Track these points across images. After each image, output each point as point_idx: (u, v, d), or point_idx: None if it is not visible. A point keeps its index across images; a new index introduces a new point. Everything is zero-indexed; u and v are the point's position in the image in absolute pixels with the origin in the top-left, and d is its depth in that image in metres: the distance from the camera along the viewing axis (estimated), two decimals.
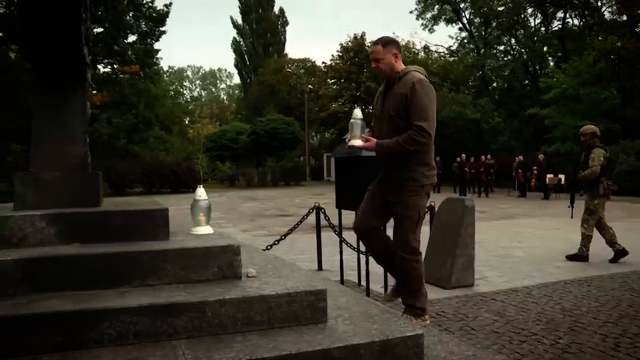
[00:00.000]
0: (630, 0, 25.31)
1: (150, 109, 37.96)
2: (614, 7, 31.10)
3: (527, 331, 4.08)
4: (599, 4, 33.01)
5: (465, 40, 41.66)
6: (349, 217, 4.97)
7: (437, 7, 41.37)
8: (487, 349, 3.64)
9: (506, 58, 38.88)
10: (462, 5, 40.62)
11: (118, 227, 3.11)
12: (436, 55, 44.32)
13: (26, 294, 2.65)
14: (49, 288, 2.69)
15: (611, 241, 7.16)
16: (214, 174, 40.17)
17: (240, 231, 11.11)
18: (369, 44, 34.21)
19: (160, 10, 34.50)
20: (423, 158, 3.74)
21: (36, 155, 3.40)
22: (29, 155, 3.45)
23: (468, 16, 41.30)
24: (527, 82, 37.70)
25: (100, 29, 30.31)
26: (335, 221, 5.95)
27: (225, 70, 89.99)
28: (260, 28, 59.81)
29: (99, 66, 31.67)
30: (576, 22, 34.70)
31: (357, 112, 3.89)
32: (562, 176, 19.05)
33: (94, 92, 27.70)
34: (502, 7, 36.95)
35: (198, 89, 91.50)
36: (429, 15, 41.62)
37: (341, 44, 44.17)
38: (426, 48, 44.09)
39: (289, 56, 57.63)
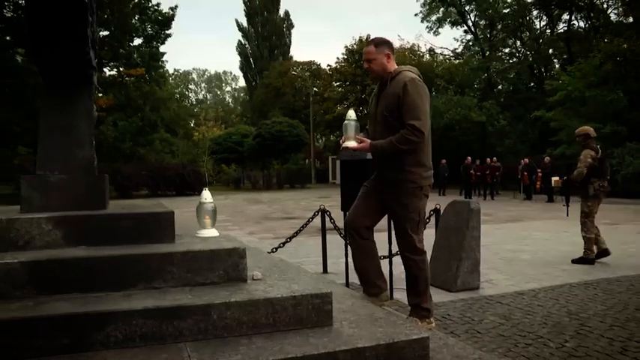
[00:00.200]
0: (636, 2, 25.24)
1: (155, 111, 38.13)
2: (620, 9, 31.08)
3: (533, 335, 4.07)
4: (605, 6, 32.95)
5: (470, 43, 41.58)
6: None
7: (442, 9, 41.33)
8: (493, 353, 3.63)
9: (511, 61, 38.81)
10: (467, 8, 40.56)
11: (124, 230, 3.12)
12: (441, 57, 44.29)
13: (33, 296, 2.66)
14: (55, 290, 2.70)
15: (595, 240, 7.22)
16: (220, 177, 40.28)
17: (245, 234, 11.12)
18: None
19: (165, 13, 34.70)
20: (419, 159, 3.72)
21: (43, 158, 3.41)
22: (36, 158, 3.47)
23: (473, 19, 41.24)
24: (532, 84, 37.62)
25: (106, 32, 30.52)
26: (340, 224, 5.94)
27: (231, 73, 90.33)
28: (265, 31, 60.00)
29: (105, 69, 31.84)
30: (582, 24, 34.63)
31: (351, 114, 3.88)
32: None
33: (100, 95, 27.87)
34: (507, 10, 36.92)
35: (203, 92, 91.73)
36: (434, 17, 41.58)
37: (346, 47, 44.29)
38: (431, 51, 44.07)
39: (294, 59, 57.79)
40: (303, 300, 2.80)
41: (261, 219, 14.77)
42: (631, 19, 27.48)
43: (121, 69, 33.07)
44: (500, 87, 40.53)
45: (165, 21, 34.75)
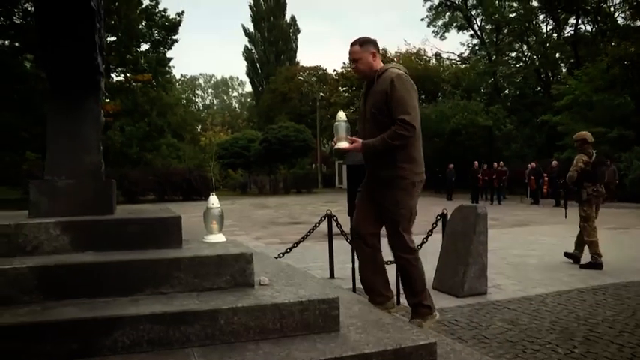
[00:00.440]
0: None
1: (162, 117, 38.21)
2: (628, 13, 30.99)
3: (541, 340, 4.05)
4: (612, 9, 32.87)
5: (477, 47, 41.57)
6: None
7: (448, 14, 41.37)
8: (500, 358, 3.61)
9: (518, 65, 38.73)
10: (473, 12, 40.59)
11: (132, 235, 3.13)
12: (447, 62, 44.31)
13: (41, 301, 2.67)
14: (63, 295, 2.71)
15: (579, 244, 7.38)
16: (226, 182, 40.28)
17: (252, 239, 11.12)
18: (380, 52, 34.16)
19: (172, 18, 34.86)
20: (410, 154, 3.70)
21: (51, 163, 3.43)
22: (44, 163, 3.48)
23: (479, 23, 41.24)
24: (539, 88, 37.55)
25: (113, 38, 30.66)
26: (347, 229, 5.93)
27: (237, 78, 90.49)
28: (271, 36, 60.17)
29: (112, 74, 31.99)
30: (589, 28, 34.56)
31: (341, 114, 3.86)
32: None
33: (107, 100, 28.00)
34: (513, 14, 36.90)
35: (210, 97, 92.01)
36: (440, 22, 41.62)
37: None
38: (437, 55, 44.10)
39: (301, 64, 57.91)
40: (310, 305, 2.80)
41: (268, 224, 14.78)
42: (638, 23, 27.42)
43: (128, 74, 33.23)
44: (506, 91, 40.47)
45: (172, 26, 34.90)
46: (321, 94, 49.50)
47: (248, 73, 63.33)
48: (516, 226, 13.22)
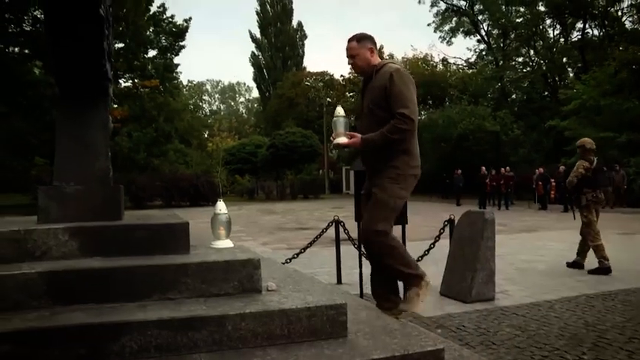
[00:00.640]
0: None
1: (169, 122, 38.42)
2: (635, 17, 30.90)
3: (550, 346, 4.02)
4: (620, 13, 32.79)
5: (484, 52, 41.59)
6: None
7: (455, 19, 41.41)
8: None
9: (525, 70, 38.70)
10: (479, 17, 40.62)
11: (139, 241, 3.14)
12: (454, 67, 44.31)
13: (49, 306, 2.68)
14: (71, 301, 2.71)
15: (581, 252, 7.42)
16: (233, 187, 40.40)
17: (259, 244, 11.13)
18: (387, 57, 34.33)
19: (179, 25, 35.04)
20: (405, 147, 3.68)
21: (59, 169, 3.45)
22: (53, 169, 3.50)
23: (486, 28, 41.26)
24: (546, 93, 37.47)
25: (121, 44, 30.84)
26: (354, 234, 5.93)
27: (244, 84, 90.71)
28: (278, 41, 60.38)
29: (120, 80, 32.17)
30: (596, 32, 34.50)
31: (340, 110, 3.86)
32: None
33: (115, 106, 28.14)
34: (520, 19, 36.88)
35: (217, 103, 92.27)
36: (446, 27, 41.69)
37: None
38: (444, 60, 44.13)
39: (308, 69, 58.00)
40: (318, 311, 2.79)
41: (275, 229, 14.79)
42: None
43: (136, 80, 33.41)
44: (513, 96, 40.40)
45: (179, 33, 35.10)
46: (328, 99, 49.54)
47: (255, 79, 63.57)
48: (524, 231, 13.16)
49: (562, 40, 36.78)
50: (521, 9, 36.56)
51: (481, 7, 39.71)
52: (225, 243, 3.43)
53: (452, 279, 5.77)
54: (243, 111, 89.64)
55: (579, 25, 34.78)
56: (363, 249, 4.13)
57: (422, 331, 3.14)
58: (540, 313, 5.03)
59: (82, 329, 2.44)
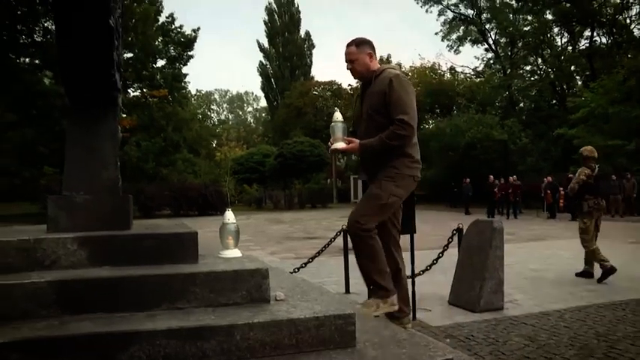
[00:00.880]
0: None
1: (178, 132, 38.57)
2: None
3: (560, 357, 3.99)
4: (628, 21, 32.72)
5: (491, 61, 41.59)
6: None
7: (462, 28, 41.47)
8: None
9: (532, 78, 38.66)
10: (487, 26, 40.66)
11: (148, 250, 3.14)
12: (462, 76, 44.29)
13: (58, 316, 2.68)
14: (81, 310, 2.72)
15: (588, 261, 7.41)
16: (241, 196, 40.43)
17: (267, 254, 11.13)
18: (396, 64, 34.26)
19: (188, 35, 35.29)
20: (404, 150, 3.67)
21: (69, 179, 3.46)
22: (62, 178, 3.52)
23: (493, 37, 41.30)
24: (554, 101, 37.40)
25: (130, 54, 31.08)
26: None
27: (252, 94, 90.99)
28: (286, 51, 60.62)
29: (129, 90, 32.41)
30: (604, 40, 34.44)
31: (338, 115, 3.84)
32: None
33: (124, 116, 28.35)
34: (528, 27, 36.88)
35: (225, 112, 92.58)
36: (454, 36, 41.79)
37: None
38: (451, 69, 44.12)
39: (316, 79, 58.11)
40: (326, 321, 2.78)
41: (283, 239, 14.78)
42: None
43: (145, 90, 33.65)
44: (521, 105, 40.35)
45: (187, 43, 35.36)
46: (336, 108, 49.57)
47: (263, 88, 63.79)
48: (533, 240, 13.09)
49: (570, 48, 36.74)
50: (529, 17, 36.60)
51: (488, 16, 39.79)
52: (234, 252, 3.43)
53: (460, 288, 5.75)
54: (252, 120, 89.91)
55: (587, 33, 34.77)
56: None
57: (430, 341, 3.12)
58: (550, 323, 5.00)
59: (91, 338, 2.44)
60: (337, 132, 3.77)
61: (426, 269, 5.70)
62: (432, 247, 8.49)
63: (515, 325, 4.94)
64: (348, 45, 3.85)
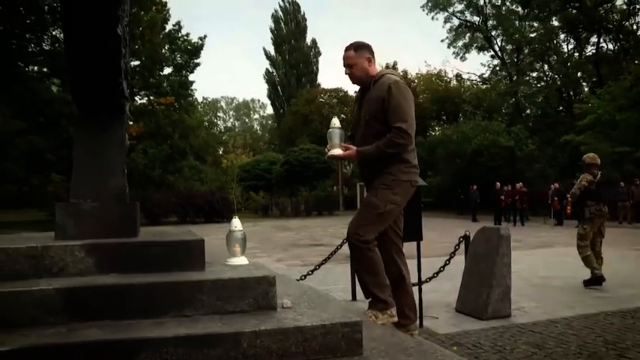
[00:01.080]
0: None
1: (184, 139, 38.71)
2: None
3: None
4: (635, 27, 32.66)
5: (497, 68, 41.58)
6: None
7: (468, 35, 41.50)
8: None
9: (539, 85, 38.63)
10: (493, 33, 40.69)
11: (155, 257, 3.15)
12: (468, 83, 44.29)
13: (66, 323, 2.69)
14: (88, 317, 2.72)
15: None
16: (248, 204, 40.47)
17: (273, 261, 11.12)
18: (401, 73, 34.37)
19: (194, 42, 35.46)
20: (401, 156, 3.62)
21: (76, 186, 3.48)
22: (69, 186, 3.53)
23: (499, 44, 41.31)
24: (561, 108, 37.34)
25: (137, 62, 31.27)
26: None
27: (259, 101, 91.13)
28: (292, 59, 60.78)
29: (135, 97, 32.58)
30: (611, 46, 34.40)
31: (335, 121, 3.79)
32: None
33: (131, 123, 28.47)
34: (534, 34, 36.88)
35: (231, 120, 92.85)
36: (460, 43, 41.84)
37: None
38: (458, 76, 44.11)
39: (322, 86, 58.20)
40: (333, 328, 2.78)
41: (290, 246, 14.78)
42: None
43: (151, 97, 33.81)
44: (528, 111, 40.30)
45: (194, 50, 35.55)
46: (342, 115, 49.67)
47: (269, 96, 63.93)
48: (540, 247, 13.04)
49: (576, 54, 36.69)
50: (535, 24, 36.60)
51: (494, 23, 39.82)
52: (241, 260, 3.43)
53: (467, 295, 5.73)
54: (258, 128, 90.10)
55: (594, 39, 34.73)
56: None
57: (437, 349, 3.11)
58: (557, 331, 4.97)
59: (98, 346, 2.45)
60: (334, 138, 3.72)
61: (433, 276, 5.69)
62: (439, 254, 8.46)
63: (522, 333, 4.91)
64: (347, 49, 3.78)
